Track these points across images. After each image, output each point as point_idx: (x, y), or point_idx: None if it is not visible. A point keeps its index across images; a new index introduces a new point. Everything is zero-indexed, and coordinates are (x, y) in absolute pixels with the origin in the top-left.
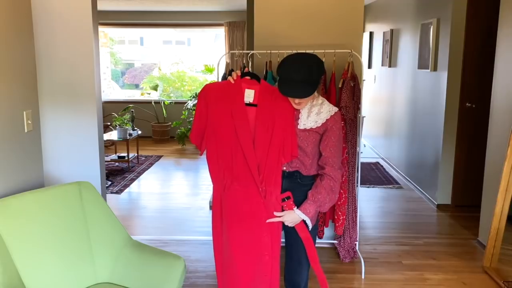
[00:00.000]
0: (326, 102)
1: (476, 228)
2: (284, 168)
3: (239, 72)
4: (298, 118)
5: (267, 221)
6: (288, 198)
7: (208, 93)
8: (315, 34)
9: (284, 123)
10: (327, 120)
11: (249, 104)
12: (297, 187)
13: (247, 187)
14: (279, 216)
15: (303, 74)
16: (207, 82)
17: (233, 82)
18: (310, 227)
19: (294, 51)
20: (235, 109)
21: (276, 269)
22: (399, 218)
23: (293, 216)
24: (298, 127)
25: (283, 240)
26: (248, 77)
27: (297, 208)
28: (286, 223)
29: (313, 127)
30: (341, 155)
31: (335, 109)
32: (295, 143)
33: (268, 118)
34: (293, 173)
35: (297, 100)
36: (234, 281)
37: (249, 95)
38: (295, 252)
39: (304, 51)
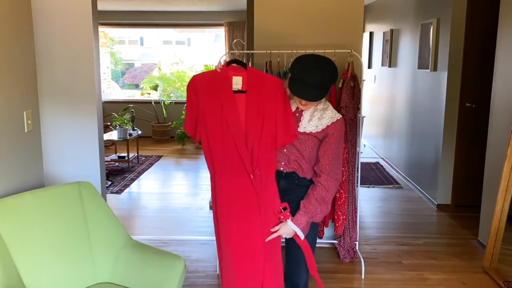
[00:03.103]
0: (330, 107)
1: (476, 228)
2: (282, 168)
3: (224, 62)
4: (300, 120)
5: (267, 240)
6: (285, 209)
7: (196, 84)
8: (315, 34)
9: (275, 105)
10: (327, 126)
11: (238, 91)
12: (295, 187)
13: (238, 176)
14: (276, 231)
15: (317, 78)
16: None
17: (219, 70)
18: (302, 237)
19: (294, 51)
20: (224, 98)
21: (275, 263)
22: (399, 218)
23: (287, 228)
24: (299, 129)
25: (283, 240)
26: (234, 64)
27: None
28: (283, 235)
29: (313, 132)
30: (340, 164)
31: (338, 116)
32: (293, 121)
33: (258, 103)
34: (291, 174)
35: (304, 102)
36: (230, 269)
37: (237, 82)
38: (293, 253)
39: (320, 54)
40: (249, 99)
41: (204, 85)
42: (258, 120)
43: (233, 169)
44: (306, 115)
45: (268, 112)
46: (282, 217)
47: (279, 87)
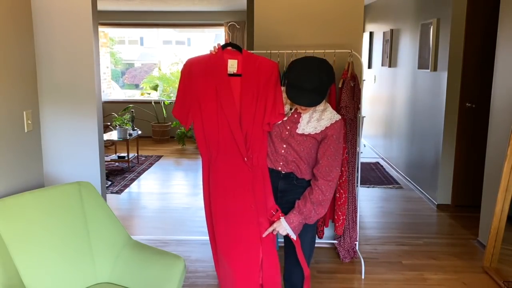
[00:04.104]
0: (329, 109)
1: (476, 228)
2: (280, 168)
3: (220, 44)
4: (298, 122)
5: (264, 235)
6: (276, 211)
7: (191, 67)
8: (315, 34)
9: (268, 89)
10: (326, 127)
11: (233, 75)
12: (293, 188)
13: (233, 159)
14: (272, 230)
15: (314, 82)
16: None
17: (214, 53)
18: (294, 237)
19: (294, 51)
20: (219, 82)
21: (272, 257)
22: (399, 218)
23: (282, 226)
24: (297, 131)
25: (281, 240)
26: (230, 48)
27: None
28: (281, 233)
29: (311, 133)
30: (338, 165)
31: (337, 117)
32: (281, 101)
33: (253, 87)
34: (289, 175)
35: (304, 106)
36: (225, 249)
37: (232, 65)
38: (292, 253)
39: (314, 56)
40: (244, 83)
41: (199, 68)
42: (252, 104)
43: (227, 152)
44: (304, 117)
45: (261, 96)
46: (274, 218)
47: (273, 70)
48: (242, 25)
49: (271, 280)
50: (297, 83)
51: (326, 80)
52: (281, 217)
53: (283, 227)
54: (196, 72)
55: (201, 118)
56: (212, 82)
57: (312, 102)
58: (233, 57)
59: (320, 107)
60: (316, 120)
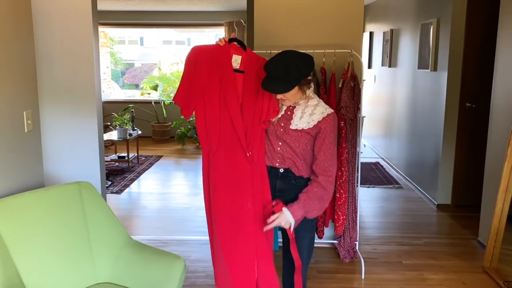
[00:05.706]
0: (321, 103)
1: (476, 228)
2: (277, 165)
3: (226, 37)
4: (291, 118)
5: (265, 229)
6: (276, 204)
7: (197, 55)
8: (315, 34)
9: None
10: (319, 121)
11: (236, 71)
12: (291, 188)
13: (233, 153)
14: (273, 221)
15: (279, 71)
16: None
17: (221, 44)
18: (292, 229)
19: None
20: (224, 75)
21: (266, 243)
22: (399, 218)
23: (285, 217)
24: (291, 127)
25: (280, 240)
26: (235, 43)
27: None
28: (283, 226)
29: (305, 128)
30: (335, 159)
31: (330, 110)
32: (275, 100)
33: (254, 84)
34: (287, 174)
35: (279, 96)
36: (222, 243)
37: (236, 60)
38: (290, 253)
39: (295, 50)
40: (246, 80)
41: (204, 57)
42: (253, 101)
43: (227, 146)
44: (297, 112)
45: (261, 94)
46: (275, 210)
47: None
48: (242, 25)
49: (266, 275)
50: (266, 71)
51: (293, 69)
52: (284, 208)
53: (287, 218)
54: (201, 61)
55: (203, 109)
56: (216, 74)
57: (276, 89)
58: (238, 52)
59: (312, 102)
60: (309, 115)
